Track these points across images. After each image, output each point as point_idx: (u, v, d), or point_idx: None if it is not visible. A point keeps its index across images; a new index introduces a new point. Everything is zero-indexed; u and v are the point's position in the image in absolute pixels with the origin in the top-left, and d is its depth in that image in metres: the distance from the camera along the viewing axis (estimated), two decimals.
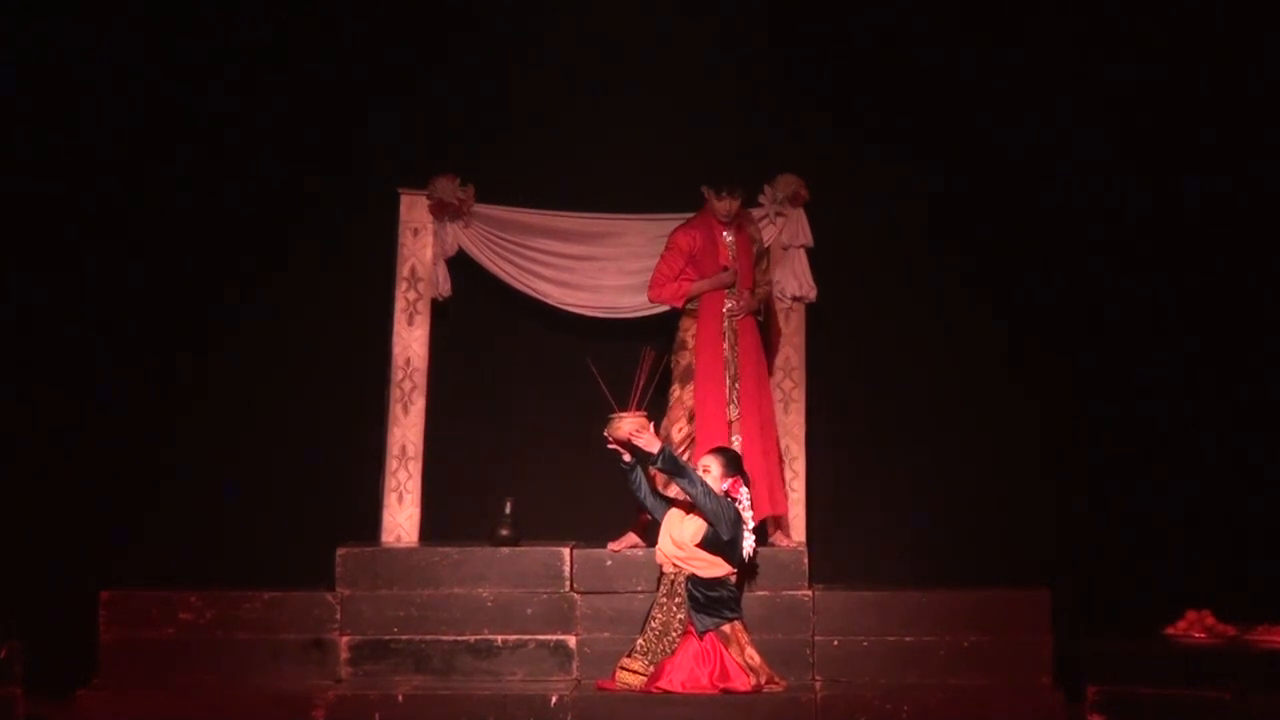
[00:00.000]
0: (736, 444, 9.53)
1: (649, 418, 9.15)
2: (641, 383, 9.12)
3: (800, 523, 9.96)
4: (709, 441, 9.47)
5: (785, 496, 9.79)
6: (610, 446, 9.11)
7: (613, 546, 9.52)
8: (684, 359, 9.69)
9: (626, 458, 9.14)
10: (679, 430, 9.60)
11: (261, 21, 10.27)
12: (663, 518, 9.21)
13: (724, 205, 9.70)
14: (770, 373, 9.93)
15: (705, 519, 9.03)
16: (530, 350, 10.37)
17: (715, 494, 9.05)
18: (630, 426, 9.04)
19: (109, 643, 9.31)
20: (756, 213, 10.03)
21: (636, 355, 9.25)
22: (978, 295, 10.23)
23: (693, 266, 9.70)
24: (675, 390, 9.66)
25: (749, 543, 9.17)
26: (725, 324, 9.67)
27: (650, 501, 9.25)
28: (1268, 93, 10.11)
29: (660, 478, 9.34)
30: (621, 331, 10.14)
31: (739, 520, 9.09)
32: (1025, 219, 10.22)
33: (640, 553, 9.42)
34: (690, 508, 9.10)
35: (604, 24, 10.30)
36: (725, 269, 9.70)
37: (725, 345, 9.66)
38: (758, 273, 9.81)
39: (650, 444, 9.04)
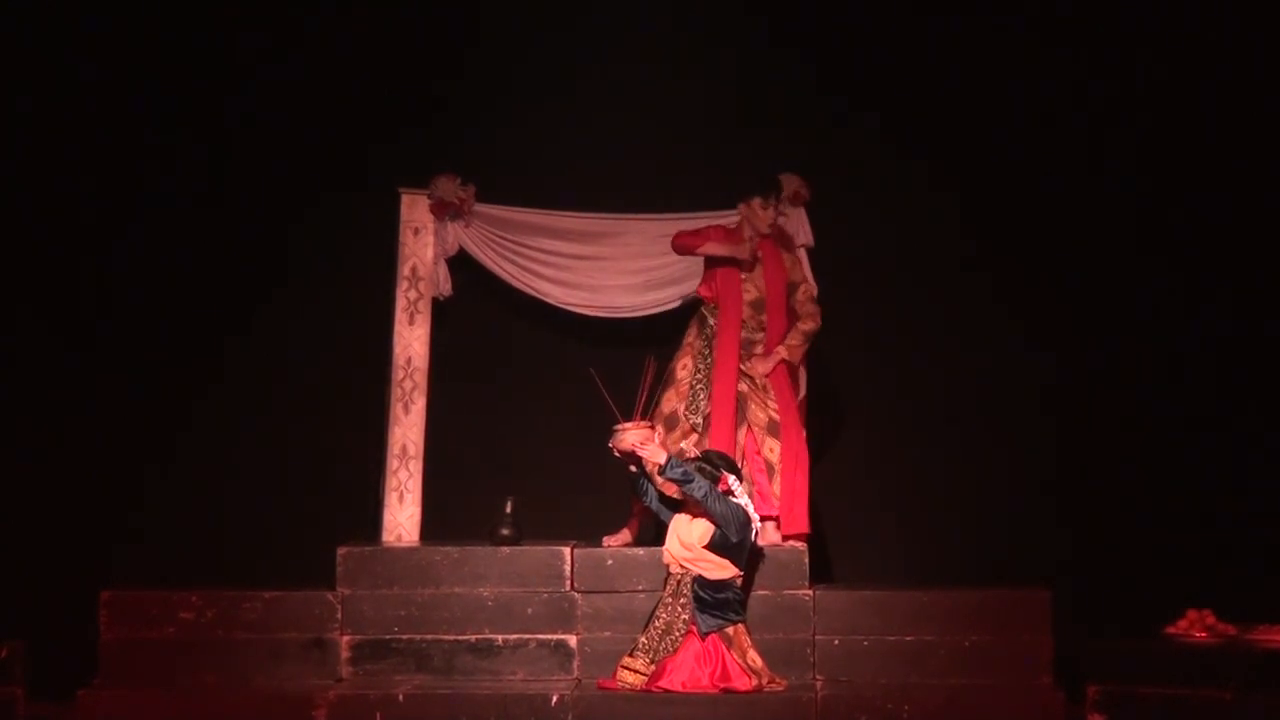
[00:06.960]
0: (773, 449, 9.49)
1: (652, 427, 9.13)
2: (645, 392, 9.09)
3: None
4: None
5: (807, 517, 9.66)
6: (617, 457, 9.09)
7: (607, 541, 9.53)
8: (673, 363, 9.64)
9: (633, 467, 9.12)
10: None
11: (263, 22, 10.27)
12: (671, 521, 9.20)
13: (769, 215, 9.63)
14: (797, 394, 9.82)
15: (714, 522, 9.02)
16: (531, 350, 10.36)
17: (723, 497, 9.03)
18: (635, 438, 8.98)
19: (109, 643, 9.30)
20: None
21: (637, 358, 9.22)
22: (979, 295, 10.23)
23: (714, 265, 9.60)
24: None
25: (754, 530, 9.16)
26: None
27: (657, 506, 9.22)
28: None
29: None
30: (622, 332, 10.14)
31: (748, 523, 9.07)
32: (1027, 217, 10.22)
33: (641, 552, 9.41)
34: (697, 509, 9.08)
35: (604, 24, 10.30)
36: (743, 242, 9.54)
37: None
38: (792, 303, 9.67)
39: (656, 454, 8.98)
